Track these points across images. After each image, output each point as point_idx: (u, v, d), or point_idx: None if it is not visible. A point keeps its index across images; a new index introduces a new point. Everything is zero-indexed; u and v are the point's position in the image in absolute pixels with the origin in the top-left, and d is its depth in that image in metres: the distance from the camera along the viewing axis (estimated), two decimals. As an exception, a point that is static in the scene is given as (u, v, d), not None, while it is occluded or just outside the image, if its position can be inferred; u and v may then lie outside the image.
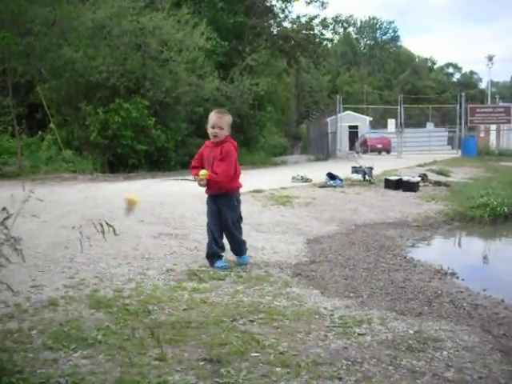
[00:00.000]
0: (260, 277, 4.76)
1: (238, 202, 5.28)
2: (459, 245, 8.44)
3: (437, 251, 7.35)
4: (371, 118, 48.00)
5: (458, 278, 5.40)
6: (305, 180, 12.74)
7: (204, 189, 5.21)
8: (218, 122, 5.04)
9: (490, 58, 47.37)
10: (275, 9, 29.05)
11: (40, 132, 17.63)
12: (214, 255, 5.12)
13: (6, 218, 2.73)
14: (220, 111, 5.23)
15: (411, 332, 3.48)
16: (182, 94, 18.20)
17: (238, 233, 5.27)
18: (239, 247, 5.30)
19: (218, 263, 5.05)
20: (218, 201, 5.16)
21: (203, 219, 7.02)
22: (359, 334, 3.40)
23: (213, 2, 23.28)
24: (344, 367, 2.87)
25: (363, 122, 46.35)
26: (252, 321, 3.57)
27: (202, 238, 6.11)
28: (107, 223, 3.08)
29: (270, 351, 3.06)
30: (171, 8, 18.96)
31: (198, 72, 18.91)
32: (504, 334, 3.64)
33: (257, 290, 4.33)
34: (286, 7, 28.93)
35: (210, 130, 5.07)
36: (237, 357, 2.95)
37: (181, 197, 9.26)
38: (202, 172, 4.98)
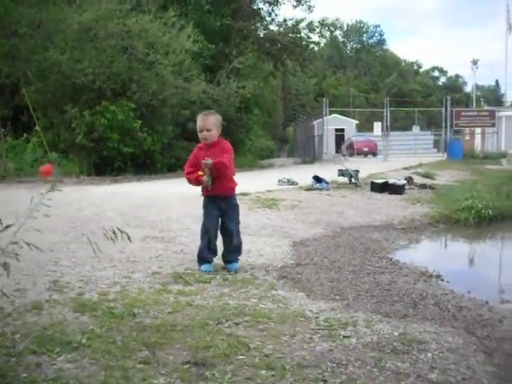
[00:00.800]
0: (246, 279, 4.75)
1: (237, 201, 5.29)
2: (444, 247, 8.50)
3: (422, 254, 7.39)
4: (358, 121, 48.21)
5: (443, 280, 5.43)
6: (291, 183, 12.76)
7: (201, 190, 5.15)
8: (204, 124, 4.99)
9: (475, 62, 47.82)
10: (262, 12, 29.15)
11: (25, 134, 17.53)
12: (203, 259, 5.10)
13: (6, 227, 2.73)
14: (205, 113, 5.16)
15: (396, 334, 3.49)
16: (169, 96, 18.15)
17: (239, 237, 5.24)
18: (237, 252, 5.24)
19: (205, 266, 5.02)
20: (222, 203, 5.10)
21: (190, 222, 7.05)
22: (344, 337, 3.40)
23: (199, 4, 23.28)
24: (329, 369, 2.88)
25: (350, 125, 46.63)
26: (237, 323, 3.56)
27: (188, 240, 6.11)
28: (120, 230, 3.06)
29: (255, 354, 3.05)
30: (157, 11, 18.91)
31: (185, 75, 18.87)
32: (487, 335, 3.67)
33: (242, 293, 4.33)
34: (273, 10, 29.08)
35: (199, 135, 5.04)
36: (222, 360, 2.95)
37: (167, 199, 9.24)
38: (206, 161, 4.86)
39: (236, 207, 5.24)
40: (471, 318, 4.07)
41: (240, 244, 5.26)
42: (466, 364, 3.08)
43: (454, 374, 2.91)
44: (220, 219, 5.15)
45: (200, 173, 4.95)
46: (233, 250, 5.21)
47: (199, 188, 5.17)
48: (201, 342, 3.17)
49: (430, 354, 3.17)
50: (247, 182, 11.78)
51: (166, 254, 5.65)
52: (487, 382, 2.87)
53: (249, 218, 7.82)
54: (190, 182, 5.13)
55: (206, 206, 5.16)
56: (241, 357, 3.00)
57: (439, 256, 7.52)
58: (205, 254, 5.09)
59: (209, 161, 4.84)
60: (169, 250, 5.83)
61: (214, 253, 5.16)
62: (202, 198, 5.21)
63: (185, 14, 21.67)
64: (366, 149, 38.87)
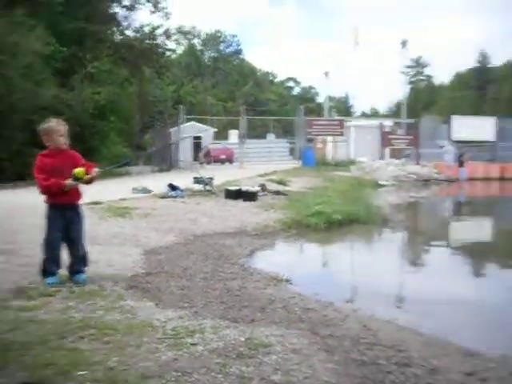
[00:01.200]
0: (93, 291, 4.61)
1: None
2: (296, 252, 8.77)
3: (274, 259, 7.57)
4: (216, 129, 48.66)
5: (292, 284, 5.61)
6: (146, 191, 12.61)
7: (43, 199, 4.91)
8: (65, 129, 4.89)
9: (327, 74, 50.13)
10: (118, 16, 28.58)
11: None
12: (47, 272, 4.86)
13: None
14: (59, 120, 5.02)
15: (242, 339, 3.54)
16: (17, 100, 17.23)
17: (84, 247, 5.07)
18: (84, 263, 5.06)
19: (50, 279, 4.80)
20: (69, 213, 4.92)
21: (37, 233, 6.67)
22: (191, 344, 3.40)
23: (51, 5, 22.33)
24: (173, 379, 2.86)
25: (207, 132, 46.88)
26: (82, 337, 3.44)
27: (33, 253, 5.79)
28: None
29: (99, 368, 2.96)
30: (3, 8, 17.90)
31: (35, 78, 18.02)
32: (330, 334, 3.84)
33: (89, 305, 4.19)
34: (130, 15, 28.61)
35: (59, 139, 4.82)
36: (62, 377, 2.82)
37: (14, 209, 8.77)
38: (78, 170, 4.73)
39: (82, 216, 5.08)
40: (316, 319, 4.25)
41: (86, 254, 5.09)
42: (308, 363, 3.19)
43: (297, 374, 3.02)
44: (64, 229, 4.95)
45: (69, 180, 4.76)
46: (80, 261, 5.03)
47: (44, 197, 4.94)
48: (40, 360, 3.02)
49: (274, 357, 3.26)
50: (100, 191, 11.47)
51: (9, 268, 5.33)
52: (327, 378, 3.00)
53: (99, 228, 7.60)
54: (50, 189, 4.81)
55: (50, 215, 4.92)
56: (82, 372, 2.89)
57: (290, 260, 7.75)
58: (49, 267, 4.87)
59: (97, 169, 4.89)
60: (12, 263, 5.51)
61: (58, 265, 4.95)
62: (46, 208, 4.95)
63: (35, 14, 20.68)
64: (223, 156, 39.21)
